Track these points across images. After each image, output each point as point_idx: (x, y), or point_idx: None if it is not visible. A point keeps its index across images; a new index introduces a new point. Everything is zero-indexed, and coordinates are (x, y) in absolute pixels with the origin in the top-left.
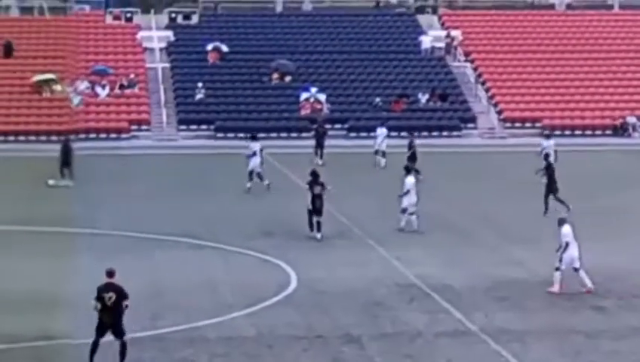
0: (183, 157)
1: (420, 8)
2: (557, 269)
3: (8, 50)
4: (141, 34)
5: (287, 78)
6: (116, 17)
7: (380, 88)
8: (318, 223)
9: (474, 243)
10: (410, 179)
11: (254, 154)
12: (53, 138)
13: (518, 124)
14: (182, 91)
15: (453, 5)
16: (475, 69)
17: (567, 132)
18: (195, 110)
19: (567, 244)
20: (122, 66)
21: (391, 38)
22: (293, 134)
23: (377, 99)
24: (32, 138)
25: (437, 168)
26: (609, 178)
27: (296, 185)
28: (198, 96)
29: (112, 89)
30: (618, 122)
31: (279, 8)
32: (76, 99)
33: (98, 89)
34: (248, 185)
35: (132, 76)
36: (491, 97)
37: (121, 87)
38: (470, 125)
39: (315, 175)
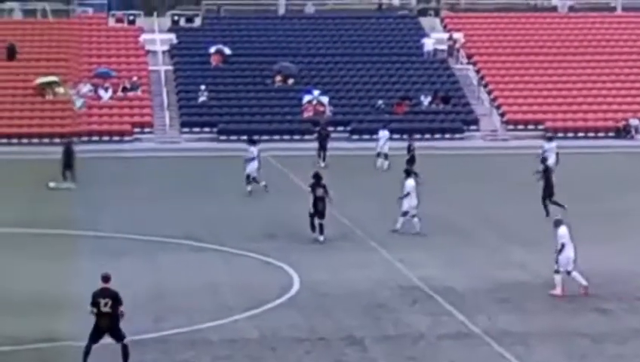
0: (186, 159)
1: (423, 11)
2: (556, 272)
3: (11, 53)
4: (144, 36)
5: (290, 81)
6: (119, 20)
7: (382, 91)
8: (321, 226)
9: (476, 246)
10: (411, 182)
11: (254, 158)
12: (56, 140)
13: (520, 127)
14: (185, 94)
15: (455, 8)
16: (477, 72)
17: (570, 134)
18: (197, 113)
19: (562, 246)
20: (125, 69)
21: (393, 41)
22: (296, 137)
23: (380, 102)
24: (35, 140)
25: (439, 170)
26: (612, 180)
27: (299, 188)
28: (201, 98)
29: (114, 91)
30: (621, 124)
31: (282, 11)
32: (79, 102)
33: (101, 91)
34: (249, 188)
35: (135, 79)
36: (494, 100)
37: (124, 89)
38: (472, 127)
39: (317, 177)
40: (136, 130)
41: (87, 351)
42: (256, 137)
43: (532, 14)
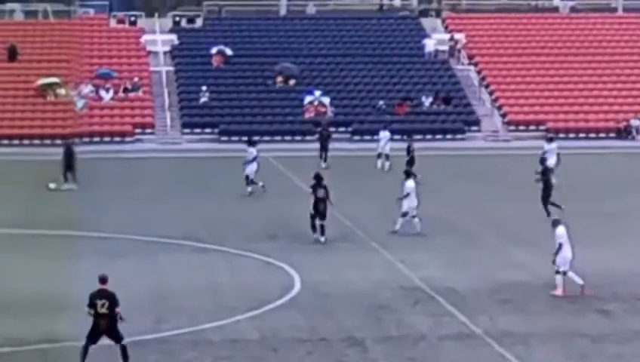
0: (187, 160)
1: (424, 11)
2: (557, 273)
3: (13, 54)
4: (145, 37)
5: (291, 82)
6: (120, 21)
7: (383, 91)
8: (322, 226)
9: (478, 246)
10: (410, 183)
11: (254, 159)
12: (58, 142)
13: (522, 127)
14: (186, 95)
15: (456, 8)
16: (478, 72)
17: (571, 135)
18: (199, 113)
19: (560, 246)
20: (126, 70)
21: (395, 42)
22: (297, 137)
23: (381, 103)
24: (37, 142)
25: (441, 171)
26: (613, 181)
27: (300, 188)
28: (202, 99)
29: (116, 92)
30: (622, 125)
31: (283, 11)
32: (80, 103)
33: (102, 92)
34: (249, 189)
35: (136, 80)
36: (495, 100)
37: (125, 90)
38: (474, 128)
39: (318, 178)
40: (138, 130)
41: (84, 352)
42: (255, 138)
43: (533, 15)
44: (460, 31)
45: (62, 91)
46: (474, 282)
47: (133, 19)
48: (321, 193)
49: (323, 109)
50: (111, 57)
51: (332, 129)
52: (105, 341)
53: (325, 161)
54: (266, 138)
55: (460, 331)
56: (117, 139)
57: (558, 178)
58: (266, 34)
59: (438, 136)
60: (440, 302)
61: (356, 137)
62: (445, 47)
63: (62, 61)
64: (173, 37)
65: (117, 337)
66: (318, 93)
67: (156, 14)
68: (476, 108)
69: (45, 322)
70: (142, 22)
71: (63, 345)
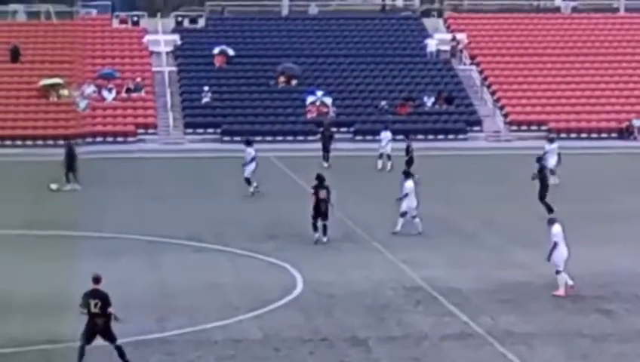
0: (190, 160)
1: (426, 12)
2: (558, 272)
3: (15, 55)
4: (148, 38)
5: (294, 82)
6: (123, 21)
7: (385, 91)
8: (324, 227)
9: (480, 246)
10: (410, 183)
11: (252, 159)
12: (60, 142)
13: (523, 127)
14: (188, 95)
15: (458, 9)
16: (480, 72)
17: (573, 135)
18: (201, 113)
19: (555, 244)
20: (129, 70)
21: (397, 42)
22: (300, 137)
23: (383, 103)
24: (40, 142)
25: (443, 171)
26: (615, 181)
27: (302, 188)
28: (205, 99)
29: (118, 93)
30: (624, 125)
31: (285, 12)
32: (83, 103)
33: (105, 93)
34: (250, 189)
35: (139, 80)
36: (497, 100)
37: (128, 90)
38: (476, 128)
39: (320, 179)
40: (140, 131)
41: (81, 353)
42: (252, 138)
43: (535, 15)
44: (461, 31)
45: (65, 92)
46: (476, 282)
47: (135, 19)
48: (323, 194)
49: (325, 109)
50: (113, 58)
51: (334, 129)
52: (100, 341)
53: (327, 160)
54: (268, 138)
55: (462, 331)
56: (119, 139)
57: (560, 178)
58: (269, 34)
59: (440, 136)
60: (442, 302)
61: (358, 137)
62: (447, 48)
63: (64, 62)
64: (176, 37)
65: (111, 338)
66: (320, 93)
67: (159, 14)
68: (478, 109)
69: (48, 322)
70: (144, 22)
71: (66, 346)
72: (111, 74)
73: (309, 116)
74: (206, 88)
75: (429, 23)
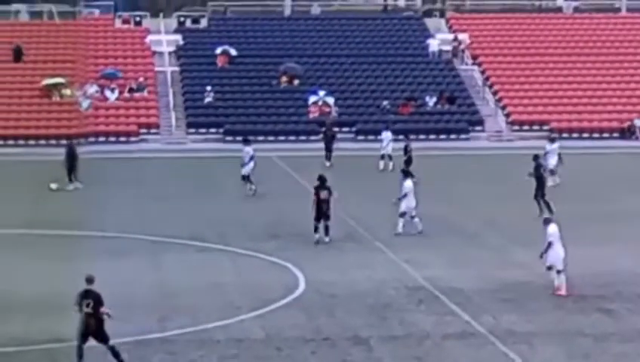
0: (192, 160)
1: (428, 12)
2: (558, 272)
3: (18, 55)
4: (150, 38)
5: (296, 82)
6: (125, 21)
7: (387, 91)
8: (327, 227)
9: (481, 246)
10: (409, 183)
11: (251, 159)
12: (63, 142)
13: (525, 127)
14: (191, 95)
15: (460, 9)
16: (482, 72)
17: (575, 135)
18: (204, 113)
19: (550, 244)
20: (131, 70)
21: (399, 42)
22: (302, 137)
23: (385, 103)
24: (42, 142)
25: (444, 171)
26: (616, 181)
27: (305, 188)
28: (207, 99)
29: (121, 92)
30: (625, 125)
31: (288, 12)
32: (85, 103)
33: (107, 92)
34: (253, 187)
35: (141, 80)
36: (499, 100)
37: (131, 90)
38: (478, 128)
39: (322, 180)
40: (143, 130)
41: (80, 353)
42: (250, 137)
43: (537, 15)
44: (463, 31)
45: (67, 91)
46: (478, 281)
47: (138, 19)
48: (324, 194)
49: (327, 109)
50: (116, 57)
51: (336, 129)
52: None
53: (329, 160)
54: (271, 138)
55: (463, 330)
56: (122, 139)
57: (562, 178)
58: (271, 34)
59: (442, 136)
60: (444, 301)
61: (360, 137)
62: (449, 47)
63: (67, 61)
64: (178, 37)
65: (103, 338)
66: (322, 93)
67: (161, 15)
68: (480, 108)
69: (49, 322)
70: (147, 22)
71: (68, 345)
72: (113, 74)
73: (311, 116)
74: (208, 88)
75: (431, 23)
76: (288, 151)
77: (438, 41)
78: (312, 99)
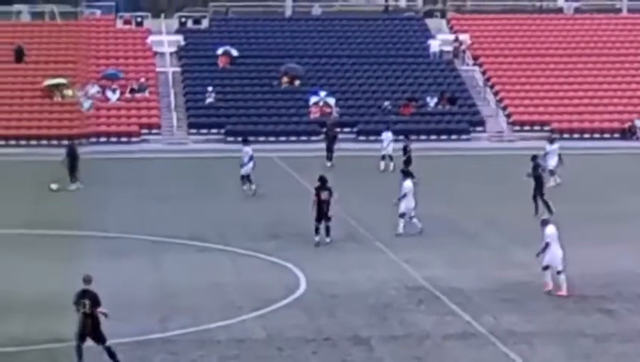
0: (193, 160)
1: (429, 12)
2: (559, 273)
3: (19, 55)
4: (151, 38)
5: (297, 82)
6: (127, 22)
7: (388, 92)
8: (327, 228)
9: (482, 246)
10: (408, 183)
11: (250, 159)
12: (64, 142)
13: (526, 128)
14: (192, 95)
15: (461, 9)
16: (483, 73)
17: (576, 135)
18: (205, 114)
19: (547, 244)
20: (133, 70)
21: (400, 42)
22: (303, 138)
23: (386, 103)
24: (44, 142)
25: (445, 171)
26: (617, 181)
27: (306, 189)
28: (209, 100)
29: (122, 93)
30: (626, 125)
31: (289, 12)
32: (87, 104)
33: (109, 93)
34: (253, 187)
35: (142, 80)
36: (500, 101)
37: (132, 91)
38: (479, 129)
39: (323, 180)
40: (144, 131)
41: (79, 353)
42: (252, 138)
43: (538, 16)
44: (464, 32)
45: (69, 92)
46: (478, 281)
47: (139, 20)
48: (325, 195)
49: (328, 110)
50: (117, 58)
51: (337, 129)
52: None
53: (331, 160)
54: (272, 138)
55: (464, 330)
56: (123, 139)
57: (562, 178)
58: (272, 35)
59: (443, 137)
60: (444, 302)
61: (361, 138)
62: (450, 48)
63: (68, 62)
64: (180, 38)
65: (100, 338)
66: (323, 93)
67: (162, 15)
68: (481, 109)
69: (49, 322)
70: (148, 23)
71: (68, 345)
72: (115, 74)
73: (312, 116)
74: (210, 89)
75: (431, 23)
76: (289, 151)
77: (439, 42)
78: (313, 99)
